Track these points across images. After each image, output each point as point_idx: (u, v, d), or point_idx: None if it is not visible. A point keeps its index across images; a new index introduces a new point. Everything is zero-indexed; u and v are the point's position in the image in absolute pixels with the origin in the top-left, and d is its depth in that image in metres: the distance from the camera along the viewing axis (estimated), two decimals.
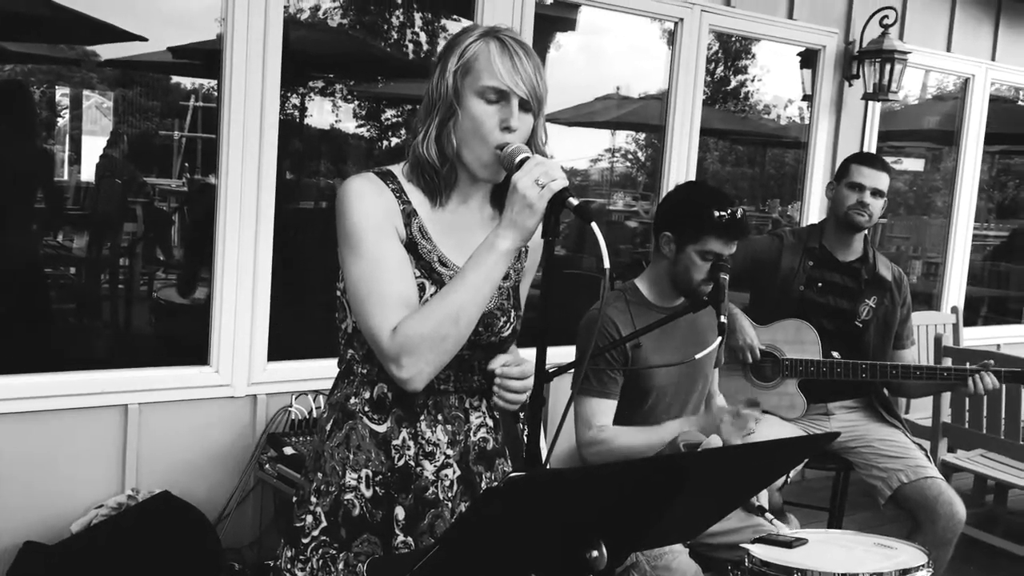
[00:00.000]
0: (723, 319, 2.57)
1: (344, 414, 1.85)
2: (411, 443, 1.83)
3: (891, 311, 3.54)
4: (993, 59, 5.84)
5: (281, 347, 3.72)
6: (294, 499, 1.92)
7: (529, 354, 1.76)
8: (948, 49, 5.63)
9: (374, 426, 1.83)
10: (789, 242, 3.61)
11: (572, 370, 2.26)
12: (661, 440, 2.67)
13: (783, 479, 3.08)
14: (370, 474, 1.81)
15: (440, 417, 1.86)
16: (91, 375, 3.41)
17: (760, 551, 2.35)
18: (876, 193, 3.49)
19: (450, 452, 1.86)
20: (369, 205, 1.77)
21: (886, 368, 3.40)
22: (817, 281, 3.53)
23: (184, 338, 4.74)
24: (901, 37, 5.23)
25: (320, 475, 1.85)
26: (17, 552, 3.20)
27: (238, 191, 3.52)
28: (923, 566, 2.32)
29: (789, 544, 2.42)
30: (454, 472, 1.87)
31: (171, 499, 3.38)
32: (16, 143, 4.62)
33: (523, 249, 1.86)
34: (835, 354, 3.41)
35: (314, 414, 3.61)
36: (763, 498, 2.75)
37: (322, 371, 3.74)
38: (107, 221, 6.15)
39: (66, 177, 6.76)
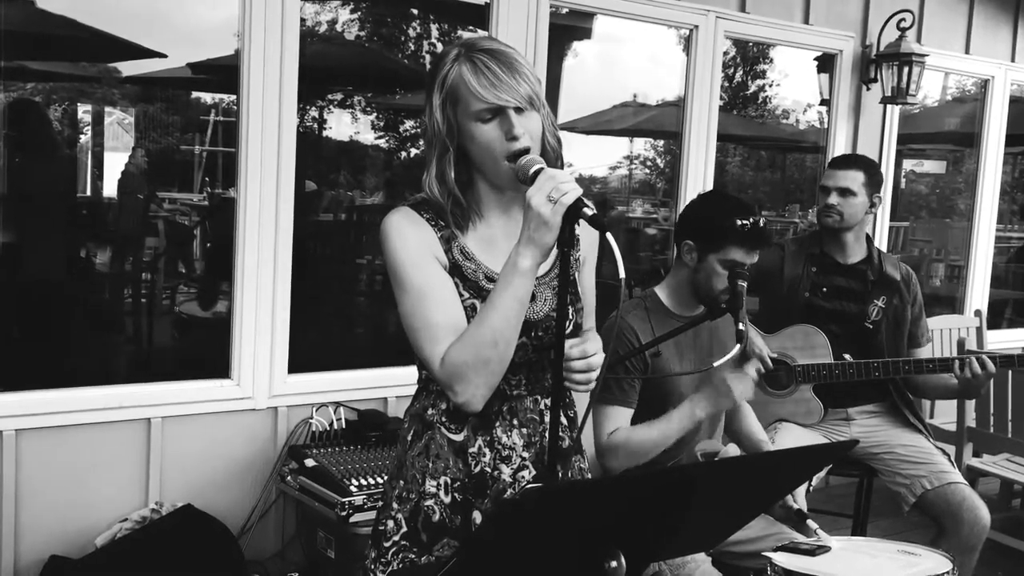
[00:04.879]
0: (741, 326, 2.56)
1: (423, 425, 1.90)
2: (487, 450, 1.87)
3: (901, 310, 3.52)
4: (1013, 60, 5.79)
5: (301, 359, 3.74)
6: (380, 503, 2.01)
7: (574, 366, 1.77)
8: (967, 51, 5.59)
9: (451, 435, 1.87)
10: (791, 250, 3.59)
11: None
12: (678, 427, 2.62)
13: (805, 486, 3.07)
14: (448, 481, 1.87)
15: (515, 421, 1.89)
16: (114, 390, 3.44)
17: (783, 559, 2.33)
18: (844, 192, 3.47)
19: (526, 454, 1.90)
20: (405, 239, 1.81)
21: (898, 364, 3.37)
22: (822, 286, 3.51)
23: (206, 352, 4.77)
24: (919, 40, 5.20)
25: (402, 482, 1.91)
26: (42, 566, 3.23)
27: (257, 204, 3.55)
28: (948, 573, 2.30)
29: (812, 552, 2.41)
30: (530, 473, 1.90)
31: (194, 512, 3.39)
32: (34, 160, 4.67)
33: (575, 239, 1.83)
34: (847, 356, 3.39)
35: (335, 426, 3.63)
36: (800, 500, 2.74)
37: (342, 383, 3.77)
38: (129, 236, 6.20)
39: (89, 193, 6.82)
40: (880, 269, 3.53)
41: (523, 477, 1.89)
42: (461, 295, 1.81)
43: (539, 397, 1.92)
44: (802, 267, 3.53)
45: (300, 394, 3.69)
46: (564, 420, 1.95)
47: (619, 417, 2.71)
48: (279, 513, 3.67)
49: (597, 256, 2.07)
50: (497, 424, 1.87)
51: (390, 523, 1.90)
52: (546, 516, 1.38)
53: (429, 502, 1.87)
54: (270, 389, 3.64)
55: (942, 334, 4.98)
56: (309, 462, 3.39)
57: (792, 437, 3.39)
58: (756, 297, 3.63)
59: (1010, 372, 4.06)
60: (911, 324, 3.54)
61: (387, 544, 1.90)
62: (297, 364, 3.71)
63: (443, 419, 1.88)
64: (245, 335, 3.59)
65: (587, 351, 1.78)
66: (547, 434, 1.92)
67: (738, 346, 2.60)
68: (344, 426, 3.64)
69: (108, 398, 3.39)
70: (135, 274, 5.92)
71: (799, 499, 2.74)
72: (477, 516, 1.86)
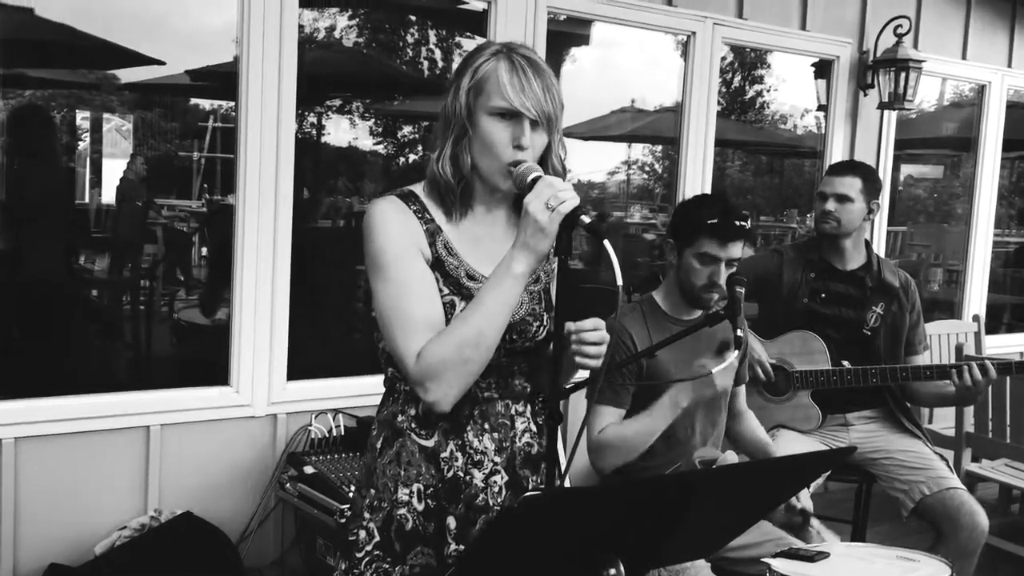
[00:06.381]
0: (740, 333, 2.56)
1: (393, 432, 1.88)
2: (459, 454, 1.85)
3: (900, 317, 3.52)
4: (1009, 66, 5.81)
5: (300, 366, 3.74)
6: (348, 513, 1.97)
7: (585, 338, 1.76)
8: (963, 56, 5.60)
9: (422, 441, 1.85)
10: (789, 256, 3.60)
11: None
12: (663, 415, 2.61)
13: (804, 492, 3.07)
14: (421, 488, 1.84)
15: (487, 425, 1.88)
16: (113, 397, 3.44)
17: (782, 565, 2.34)
18: (842, 199, 3.47)
19: (497, 459, 1.88)
20: (392, 229, 1.79)
21: (896, 371, 3.37)
22: (820, 292, 3.51)
23: (205, 359, 4.78)
24: (916, 46, 5.21)
25: (373, 491, 1.88)
26: (41, 574, 3.23)
27: (256, 211, 3.55)
28: None
29: (811, 558, 2.41)
30: (502, 478, 1.89)
31: (193, 519, 3.39)
32: (37, 167, 4.68)
33: (551, 249, 1.85)
34: (845, 363, 3.39)
35: (334, 433, 3.63)
36: (804, 499, 2.74)
37: (341, 390, 3.77)
38: (128, 243, 6.21)
39: (87, 200, 6.84)
40: (879, 276, 3.53)
41: (495, 482, 1.87)
42: (441, 291, 1.80)
43: (509, 402, 1.90)
44: (801, 273, 3.53)
45: (299, 401, 3.69)
46: (534, 427, 1.95)
47: (610, 416, 2.72)
48: (278, 520, 3.67)
49: (594, 263, 2.07)
50: (468, 428, 1.86)
51: (362, 533, 1.87)
52: (546, 523, 1.38)
53: (402, 511, 1.84)
54: (269, 396, 3.64)
55: (940, 339, 4.98)
56: (308, 469, 3.40)
57: (790, 443, 3.39)
58: (755, 303, 3.64)
59: (1008, 377, 4.06)
60: (908, 331, 3.54)
61: (359, 555, 1.86)
62: (296, 371, 3.71)
63: (413, 425, 1.85)
64: (244, 342, 3.59)
65: (598, 324, 1.76)
66: (520, 439, 1.92)
67: (736, 352, 2.60)
68: (343, 433, 3.64)
69: (107, 406, 3.39)
70: (134, 281, 5.93)
71: (803, 499, 2.75)
72: (451, 522, 1.84)
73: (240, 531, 3.59)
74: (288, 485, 3.44)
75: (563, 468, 1.72)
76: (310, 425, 3.62)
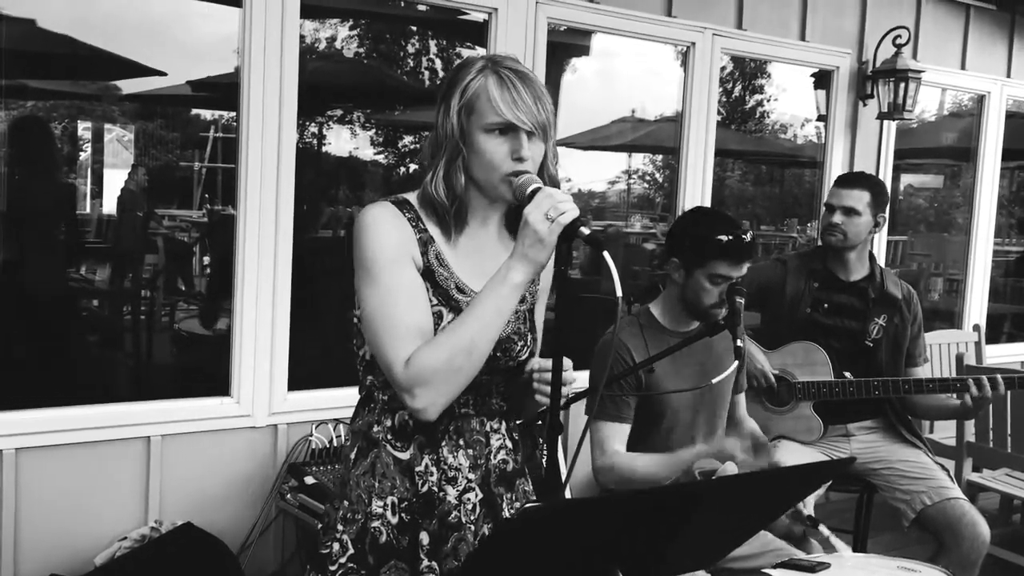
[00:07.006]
0: (739, 343, 2.57)
1: (368, 442, 1.87)
2: (434, 469, 1.85)
3: (901, 329, 3.52)
4: (1008, 75, 5.82)
5: (301, 377, 3.74)
6: (320, 526, 1.95)
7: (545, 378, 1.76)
8: (963, 67, 5.62)
9: (397, 453, 1.84)
10: (793, 266, 3.60)
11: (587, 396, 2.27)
12: (676, 467, 2.65)
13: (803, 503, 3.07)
14: (395, 501, 1.84)
15: (462, 442, 1.87)
16: (114, 408, 3.44)
17: None
18: (849, 212, 3.48)
19: (472, 476, 1.88)
20: (385, 235, 1.79)
21: (898, 384, 3.37)
22: (823, 302, 3.52)
23: (205, 369, 4.77)
24: (915, 56, 5.22)
25: (347, 503, 1.87)
26: None
27: (256, 221, 3.56)
28: None
29: (812, 568, 2.40)
30: (476, 495, 1.88)
31: (194, 530, 3.39)
32: (38, 177, 4.68)
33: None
34: (847, 374, 3.39)
35: (335, 443, 3.62)
36: (810, 505, 2.74)
37: (342, 400, 3.76)
38: (129, 253, 6.21)
39: (88, 210, 6.84)
40: (881, 287, 3.53)
41: (469, 499, 1.87)
42: (430, 301, 1.80)
43: (485, 419, 1.91)
44: (804, 282, 3.54)
45: (300, 411, 3.69)
46: (509, 444, 1.95)
47: (616, 433, 2.72)
48: (279, 530, 3.66)
49: (594, 273, 2.08)
50: (444, 443, 1.85)
51: (335, 545, 1.85)
52: (546, 534, 1.38)
53: (376, 523, 1.83)
54: (270, 406, 3.64)
55: (940, 349, 4.98)
56: (309, 479, 3.39)
57: (791, 456, 3.39)
58: (758, 313, 3.64)
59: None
60: (909, 343, 3.55)
61: (333, 567, 1.85)
62: (297, 381, 3.71)
63: (389, 436, 1.85)
64: (245, 352, 3.59)
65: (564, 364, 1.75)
66: (495, 456, 1.92)
67: (736, 363, 2.61)
68: (344, 443, 3.64)
69: (108, 416, 3.39)
70: (134, 291, 5.92)
71: (808, 506, 2.74)
72: (424, 538, 1.83)
73: (241, 542, 3.58)
74: (289, 495, 3.44)
75: (564, 478, 1.72)
76: (311, 435, 3.62)
